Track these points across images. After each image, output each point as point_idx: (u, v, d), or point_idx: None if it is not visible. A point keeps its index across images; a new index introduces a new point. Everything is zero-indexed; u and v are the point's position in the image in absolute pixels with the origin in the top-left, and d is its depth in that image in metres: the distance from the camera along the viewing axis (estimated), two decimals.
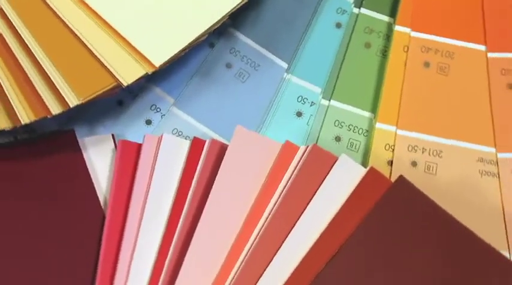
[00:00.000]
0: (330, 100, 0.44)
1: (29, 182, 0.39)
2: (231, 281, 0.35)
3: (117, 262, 0.37)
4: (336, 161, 0.38)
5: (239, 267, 0.36)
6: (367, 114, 0.44)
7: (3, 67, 0.38)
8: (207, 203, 0.37)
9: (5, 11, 0.38)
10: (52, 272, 0.37)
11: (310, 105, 0.44)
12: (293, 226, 0.37)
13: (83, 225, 0.39)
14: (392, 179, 0.38)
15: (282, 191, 0.37)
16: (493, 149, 0.42)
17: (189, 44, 0.39)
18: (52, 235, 0.38)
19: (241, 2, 0.40)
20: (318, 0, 0.47)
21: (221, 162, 0.38)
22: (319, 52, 0.45)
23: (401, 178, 0.38)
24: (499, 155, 0.42)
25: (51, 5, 0.39)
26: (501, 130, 0.42)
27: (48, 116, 0.37)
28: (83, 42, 0.38)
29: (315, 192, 0.37)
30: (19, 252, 0.38)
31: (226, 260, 0.36)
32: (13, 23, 0.38)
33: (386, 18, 0.46)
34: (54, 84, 0.37)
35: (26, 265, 0.37)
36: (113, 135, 0.42)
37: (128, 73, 0.38)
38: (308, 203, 0.37)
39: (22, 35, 0.38)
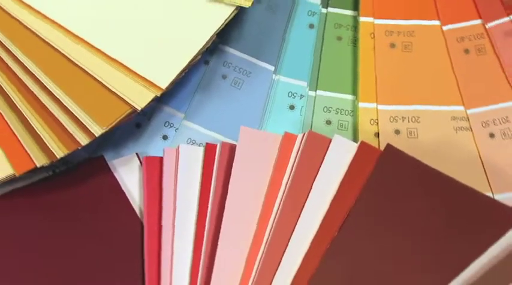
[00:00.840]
0: (316, 91, 0.44)
1: (74, 206, 0.40)
2: (261, 256, 0.36)
3: (160, 261, 0.38)
4: (330, 142, 0.38)
5: (265, 247, 0.36)
6: (350, 97, 0.44)
7: (32, 111, 0.38)
8: (227, 197, 0.37)
9: (23, 62, 0.39)
10: (107, 279, 0.38)
11: (300, 98, 0.44)
12: (304, 204, 0.37)
13: (126, 234, 0.39)
14: (381, 148, 0.39)
15: (290, 175, 0.38)
16: (462, 108, 0.43)
17: (188, 63, 0.39)
18: (101, 247, 0.39)
19: (226, 19, 0.40)
20: (290, 8, 0.47)
21: (233, 160, 0.38)
22: (299, 52, 0.46)
23: (388, 146, 0.38)
24: (468, 111, 0.42)
25: (64, 53, 0.39)
26: (466, 89, 0.43)
27: (79, 147, 0.37)
28: (96, 79, 0.38)
29: (318, 171, 0.37)
30: (74, 269, 0.38)
31: (252, 243, 0.36)
32: (32, 71, 0.38)
33: (351, 13, 0.47)
34: (78, 119, 0.37)
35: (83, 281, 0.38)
36: (137, 154, 0.42)
37: (140, 98, 0.38)
38: (313, 182, 0.37)
39: (41, 81, 0.38)
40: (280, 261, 0.36)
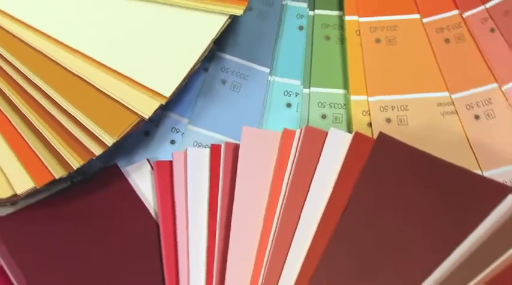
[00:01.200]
0: (309, 88, 0.44)
1: (93, 213, 0.40)
2: (270, 246, 0.36)
3: (178, 259, 0.38)
4: (327, 135, 0.39)
5: (273, 238, 0.36)
6: (341, 91, 0.44)
7: (47, 127, 0.38)
8: (235, 192, 0.38)
9: (34, 81, 0.39)
10: (129, 281, 0.38)
11: (296, 96, 0.45)
12: (307, 194, 0.37)
13: (143, 236, 0.39)
14: (375, 137, 0.39)
15: (291, 168, 0.38)
16: (447, 93, 0.43)
17: (189, 71, 0.39)
18: (121, 250, 0.39)
19: (221, 28, 0.41)
20: (279, 13, 0.47)
21: (238, 159, 0.39)
22: (291, 53, 0.46)
23: (381, 134, 0.38)
24: (453, 96, 0.43)
25: (72, 70, 0.39)
26: (449, 76, 0.43)
27: (93, 158, 0.38)
28: (105, 93, 0.38)
29: (317, 162, 0.38)
30: (97, 273, 0.38)
31: (261, 234, 0.37)
32: (44, 89, 0.39)
33: (336, 13, 0.47)
34: (91, 131, 0.38)
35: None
36: (148, 160, 0.42)
37: (147, 107, 0.38)
38: (314, 173, 0.37)
39: (54, 98, 0.38)
40: (288, 251, 0.36)
